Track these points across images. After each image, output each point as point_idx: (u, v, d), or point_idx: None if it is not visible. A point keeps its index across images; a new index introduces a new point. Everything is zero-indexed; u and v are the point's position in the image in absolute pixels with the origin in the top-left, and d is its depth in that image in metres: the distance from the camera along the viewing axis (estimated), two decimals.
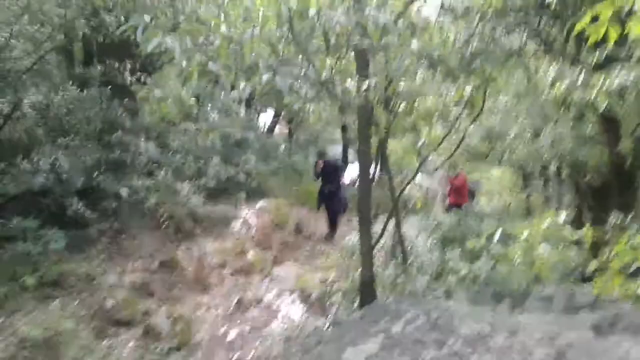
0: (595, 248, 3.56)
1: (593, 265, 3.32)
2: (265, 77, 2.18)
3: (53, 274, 5.92)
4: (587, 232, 3.30)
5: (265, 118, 14.10)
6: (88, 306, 5.90)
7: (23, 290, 5.61)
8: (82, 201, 6.32)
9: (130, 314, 5.93)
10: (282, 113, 13.28)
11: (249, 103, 11.02)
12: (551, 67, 5.85)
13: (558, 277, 3.80)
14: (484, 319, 1.90)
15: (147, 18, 2.72)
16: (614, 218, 5.36)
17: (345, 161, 14.26)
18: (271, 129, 14.15)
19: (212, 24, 2.62)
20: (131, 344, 5.63)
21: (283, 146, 13.34)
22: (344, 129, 12.33)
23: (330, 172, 9.16)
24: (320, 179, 9.22)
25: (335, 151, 15.73)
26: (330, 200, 9.18)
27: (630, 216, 5.48)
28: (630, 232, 4.99)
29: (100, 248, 6.66)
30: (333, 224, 9.33)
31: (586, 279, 3.75)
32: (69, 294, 6.00)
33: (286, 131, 15.32)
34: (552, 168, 9.89)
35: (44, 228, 5.99)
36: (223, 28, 2.30)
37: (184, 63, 2.54)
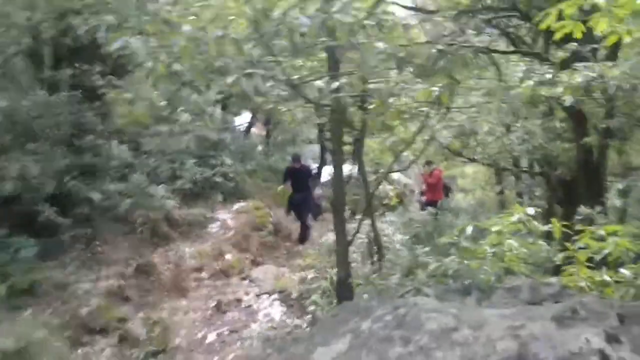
0: (565, 240, 3.64)
1: (561, 257, 3.40)
2: (230, 79, 2.17)
3: (24, 283, 5.80)
4: (555, 225, 3.38)
5: (242, 119, 14.01)
6: (61, 314, 5.80)
7: None
8: (53, 207, 6.19)
9: (105, 321, 5.85)
10: (259, 114, 13.22)
11: (224, 104, 10.95)
12: (520, 65, 5.98)
13: (528, 270, 3.88)
14: (450, 313, 1.93)
15: (110, 19, 2.69)
16: (583, 211, 5.51)
17: (322, 161, 14.25)
18: (248, 130, 14.07)
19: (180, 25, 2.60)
20: (107, 351, 5.55)
21: (260, 147, 13.29)
22: (320, 129, 12.32)
23: (302, 176, 8.96)
24: (291, 183, 8.97)
25: (312, 151, 15.72)
26: (303, 205, 8.96)
27: (597, 209, 5.63)
28: (597, 224, 5.13)
29: (73, 255, 6.55)
30: (305, 230, 9.20)
31: (556, 271, 3.85)
32: (41, 302, 5.89)
33: (263, 132, 15.26)
34: (524, 163, 10.09)
35: (13, 235, 5.86)
36: (187, 28, 2.28)
37: (150, 64, 2.52)
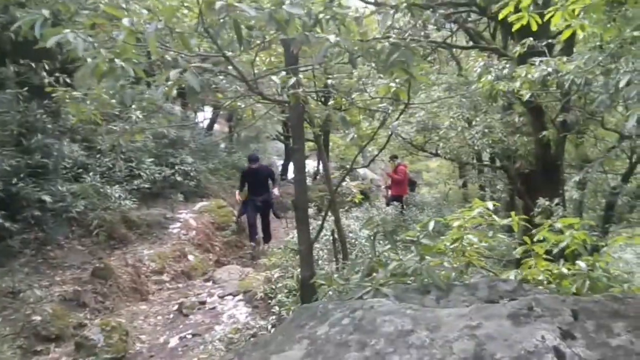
0: (525, 233, 3.67)
1: (520, 250, 3.42)
2: (173, 74, 2.04)
3: None
4: (514, 218, 3.39)
5: (204, 115, 13.73)
6: (13, 323, 5.53)
7: None
8: (1, 211, 5.86)
9: (60, 329, 5.61)
10: (221, 110, 12.97)
11: (184, 101, 10.67)
12: (479, 60, 6.05)
13: (489, 265, 3.88)
14: (407, 315, 1.87)
15: (46, 13, 2.51)
16: (541, 203, 5.63)
17: (287, 158, 14.13)
18: (210, 127, 13.80)
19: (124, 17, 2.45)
20: (64, 359, 5.32)
21: (223, 144, 13.05)
22: (285, 125, 12.18)
23: (262, 178, 8.56)
24: (250, 186, 8.52)
25: (276, 148, 15.58)
26: (264, 207, 8.62)
27: (556, 201, 5.77)
28: (555, 216, 5.25)
29: (24, 260, 6.23)
30: (268, 233, 8.93)
31: (518, 263, 3.89)
32: None
33: (226, 129, 15.00)
34: (485, 157, 10.28)
35: None
36: (126, 21, 2.13)
37: (90, 60, 2.37)
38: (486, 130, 7.02)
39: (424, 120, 6.65)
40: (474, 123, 7.77)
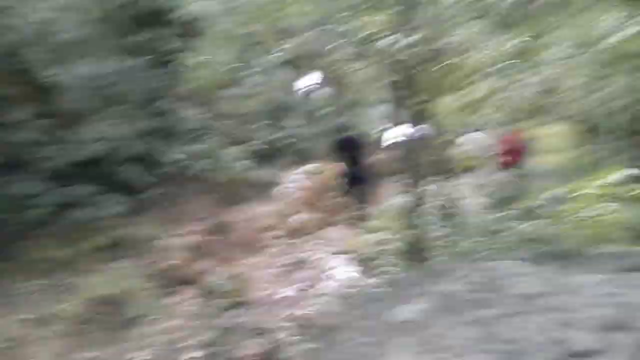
0: None
1: None
2: (298, 38, 2.11)
3: (115, 237, 6.28)
4: None
5: (310, 80, 13.89)
6: (149, 266, 6.23)
7: (87, 252, 5.97)
8: (136, 167, 6.53)
9: (188, 274, 6.21)
10: (327, 74, 13.02)
11: (294, 64, 10.88)
12: (611, 14, 5.39)
13: (620, 236, 3.60)
14: (534, 278, 1.83)
15: None
16: None
17: (391, 123, 13.87)
18: (316, 91, 13.96)
19: None
20: (191, 301, 5.90)
21: (329, 107, 13.16)
22: (391, 89, 11.92)
23: (354, 147, 8.32)
24: (344, 156, 8.29)
25: (382, 111, 15.34)
26: (366, 179, 8.38)
27: None
28: None
29: (156, 212, 6.93)
30: (373, 197, 8.85)
31: None
32: (130, 255, 6.35)
33: (333, 93, 15.08)
34: (616, 122, 9.25)
35: (102, 194, 6.27)
36: None
37: (224, 26, 2.52)
38: (618, 93, 6.30)
39: (546, 81, 6.13)
40: (603, 84, 7.01)
